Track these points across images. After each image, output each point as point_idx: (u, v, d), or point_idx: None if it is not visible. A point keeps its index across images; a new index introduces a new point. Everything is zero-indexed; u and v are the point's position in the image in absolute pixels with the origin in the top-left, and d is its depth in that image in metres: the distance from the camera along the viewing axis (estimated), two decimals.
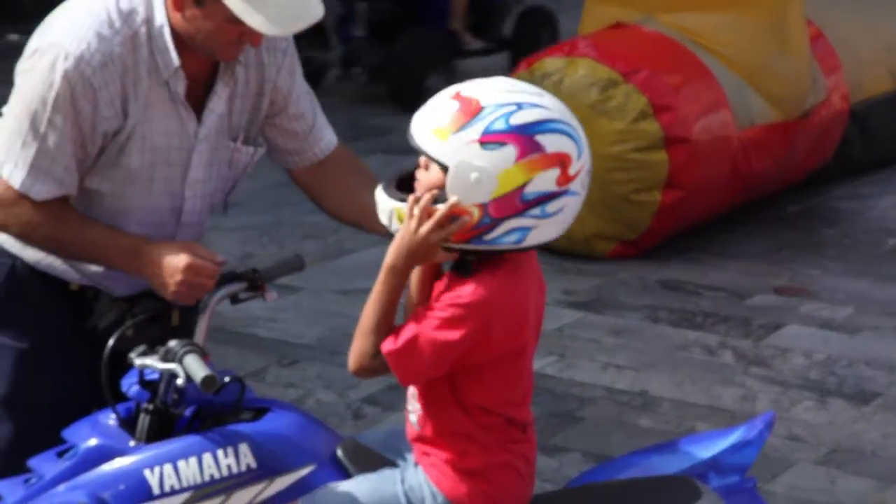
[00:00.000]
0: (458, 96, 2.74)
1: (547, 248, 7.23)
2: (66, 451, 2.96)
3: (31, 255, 3.23)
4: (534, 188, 2.71)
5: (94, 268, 3.22)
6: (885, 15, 8.20)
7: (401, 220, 2.79)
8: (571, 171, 2.73)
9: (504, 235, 2.74)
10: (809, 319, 6.14)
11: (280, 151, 3.33)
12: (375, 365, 2.82)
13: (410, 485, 2.88)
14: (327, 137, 3.36)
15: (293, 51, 3.28)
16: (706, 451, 3.07)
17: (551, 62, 6.75)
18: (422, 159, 2.79)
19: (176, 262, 3.02)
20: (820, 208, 7.68)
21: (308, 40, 8.64)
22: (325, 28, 9.58)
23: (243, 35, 3.02)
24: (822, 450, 4.95)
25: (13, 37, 10.86)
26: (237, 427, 2.93)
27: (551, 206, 2.73)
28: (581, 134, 2.77)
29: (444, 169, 2.73)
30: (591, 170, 2.80)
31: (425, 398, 2.87)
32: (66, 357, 3.26)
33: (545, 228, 2.76)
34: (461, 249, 2.78)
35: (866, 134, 8.00)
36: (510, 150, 2.70)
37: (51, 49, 3.02)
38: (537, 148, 2.70)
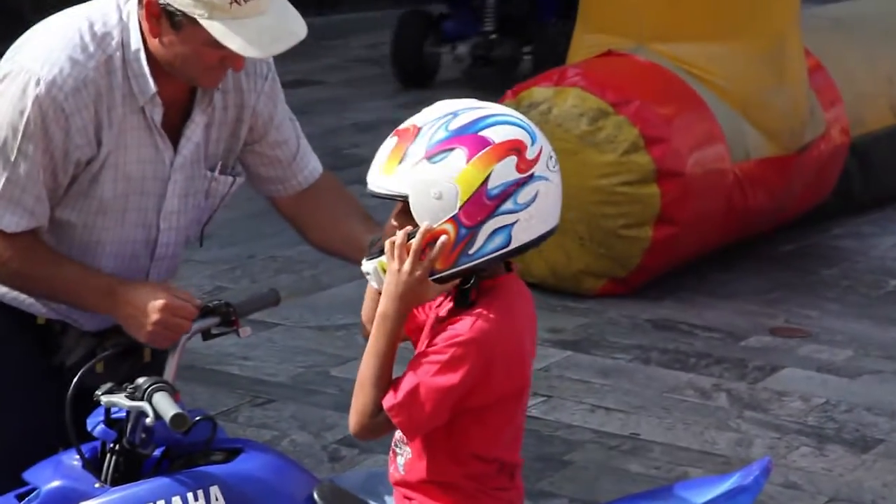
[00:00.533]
0: (395, 132, 2.78)
1: (533, 285, 7.12)
2: (28, 493, 2.91)
3: None
4: (496, 181, 2.69)
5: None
6: (887, 46, 8.19)
7: (385, 271, 2.77)
8: (529, 154, 2.72)
9: (488, 242, 2.72)
10: (807, 362, 6.08)
11: (262, 180, 3.28)
12: (378, 422, 2.76)
13: None
14: (312, 165, 3.32)
15: (274, 75, 3.24)
16: (699, 497, 3.03)
17: (539, 91, 6.70)
18: (393, 213, 2.79)
19: (152, 303, 2.99)
20: (818, 247, 7.64)
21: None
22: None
23: (224, 59, 2.98)
24: (821, 499, 4.90)
25: None
26: (208, 469, 2.89)
27: (522, 196, 2.71)
28: (529, 122, 2.78)
29: (406, 201, 2.72)
30: (555, 157, 2.79)
31: (415, 444, 2.81)
32: (31, 394, 3.20)
33: (528, 222, 2.73)
34: (452, 275, 2.75)
35: (867, 169, 7.97)
36: (459, 153, 2.70)
37: (21, 74, 2.97)
38: (484, 143, 2.71)
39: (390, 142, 2.76)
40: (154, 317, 2.98)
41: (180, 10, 2.92)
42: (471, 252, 2.71)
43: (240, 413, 5.32)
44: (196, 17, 2.90)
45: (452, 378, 2.71)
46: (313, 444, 5.08)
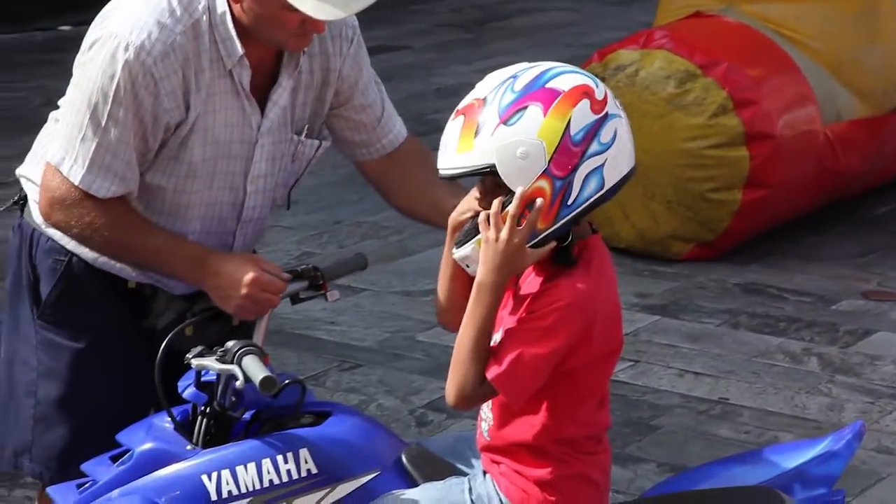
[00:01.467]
0: (457, 112, 2.77)
1: (621, 250, 7.04)
2: (121, 455, 2.93)
3: (87, 252, 3.18)
4: (577, 126, 2.71)
5: None
6: None
7: None
8: (598, 95, 2.74)
9: (584, 187, 2.72)
10: None
11: (347, 143, 3.27)
12: (481, 392, 2.76)
13: (478, 494, 2.84)
14: (396, 129, 3.30)
15: (360, 39, 3.22)
16: (791, 461, 3.01)
17: (626, 54, 6.62)
18: (473, 190, 2.79)
19: (241, 276, 2.99)
20: None
21: None
22: None
23: (304, 22, 2.95)
24: None
25: (66, 28, 10.81)
26: (297, 431, 2.89)
27: (603, 135, 2.73)
28: (588, 71, 2.81)
29: (493, 172, 2.69)
30: (618, 97, 2.81)
31: (501, 407, 2.81)
32: (123, 358, 3.22)
33: (615, 159, 2.75)
34: (554, 233, 2.72)
35: None
36: (534, 109, 2.70)
37: (110, 40, 2.98)
38: (554, 93, 2.71)
39: (457, 121, 2.74)
40: (243, 290, 2.98)
41: None
42: (570, 203, 2.71)
43: (328, 377, 5.34)
44: None
45: (554, 343, 2.70)
46: (400, 408, 5.09)
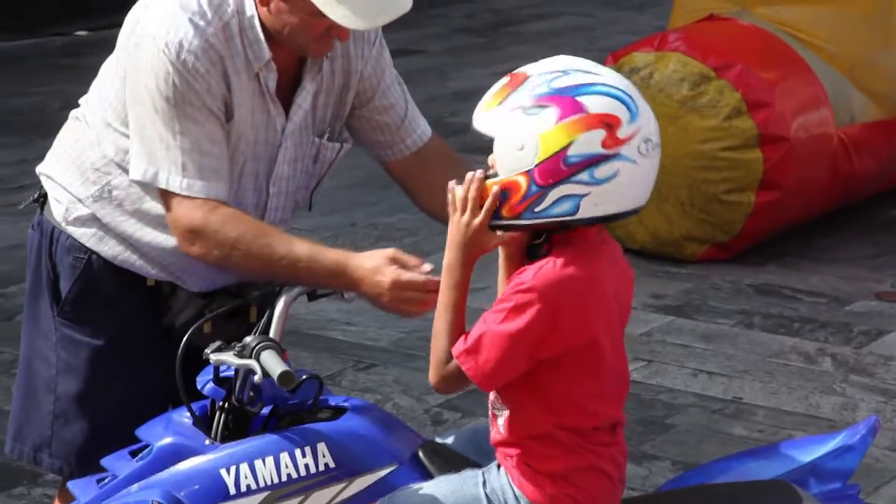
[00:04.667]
0: (510, 74, 2.73)
1: (635, 251, 7.03)
2: (140, 450, 2.93)
3: (108, 249, 3.19)
4: (577, 150, 2.65)
5: (171, 260, 3.17)
6: None
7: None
8: (620, 134, 2.65)
9: (554, 205, 2.68)
10: None
11: (371, 144, 3.29)
12: (451, 372, 2.75)
13: (493, 487, 2.82)
14: (420, 129, 3.30)
15: (382, 40, 3.23)
16: (805, 455, 3.01)
17: (640, 56, 6.65)
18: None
19: (380, 281, 2.93)
20: None
21: None
22: None
23: (330, 29, 2.97)
24: None
25: (82, 33, 10.85)
26: (315, 426, 2.89)
27: (600, 171, 2.66)
28: (638, 102, 2.69)
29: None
30: (656, 141, 2.71)
31: (508, 400, 2.81)
32: (142, 354, 3.22)
33: (600, 197, 2.67)
34: (514, 226, 2.71)
35: None
36: (551, 112, 2.66)
37: (150, 42, 3.00)
38: (579, 108, 2.65)
39: (502, 81, 2.74)
40: (386, 297, 2.93)
41: None
42: (536, 210, 2.68)
43: (343, 377, 5.35)
44: None
45: (517, 323, 2.67)
46: (416, 407, 5.10)
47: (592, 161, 2.65)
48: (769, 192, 6.47)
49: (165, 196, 3.04)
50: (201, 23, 2.99)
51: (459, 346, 2.72)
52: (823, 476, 2.96)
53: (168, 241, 3.13)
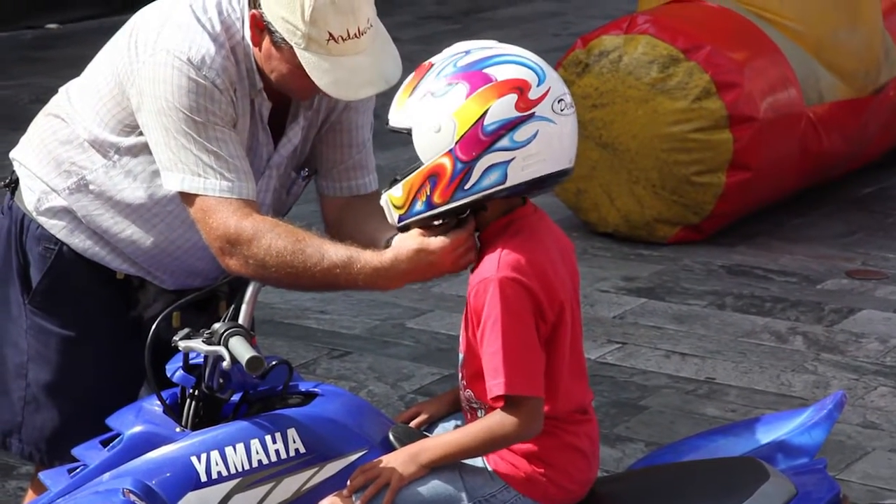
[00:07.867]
0: (416, 68, 2.79)
1: (607, 234, 7.00)
2: (111, 439, 2.94)
3: (78, 242, 3.19)
4: (493, 118, 2.70)
5: (141, 257, 3.17)
6: None
7: (395, 207, 2.80)
8: (532, 94, 2.71)
9: (483, 177, 2.72)
10: (884, 303, 6.01)
11: (320, 164, 3.23)
12: (525, 420, 2.74)
13: (468, 468, 2.82)
14: (367, 179, 3.24)
15: (372, 102, 3.23)
16: (773, 432, 3.03)
17: (609, 39, 6.64)
18: None
19: (424, 256, 2.83)
20: (895, 189, 7.52)
21: None
22: None
23: (317, 87, 2.96)
24: None
25: (54, 26, 10.79)
26: (285, 412, 2.90)
27: (519, 134, 2.71)
28: (543, 66, 2.76)
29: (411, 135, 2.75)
30: (568, 101, 2.76)
31: (480, 381, 2.80)
32: (111, 345, 3.23)
33: (525, 160, 2.72)
34: (448, 213, 2.75)
35: None
36: (460, 88, 2.72)
37: (170, 58, 2.98)
38: (486, 79, 2.71)
39: (408, 77, 2.79)
40: (433, 270, 2.84)
41: (280, 34, 2.93)
42: (466, 187, 2.72)
43: (318, 365, 5.35)
44: (293, 44, 2.91)
45: (519, 317, 2.71)
46: (390, 394, 5.09)
47: (510, 125, 2.70)
48: (739, 173, 6.48)
49: (198, 207, 2.98)
50: (214, 45, 2.99)
51: (498, 388, 2.68)
52: (791, 451, 2.98)
53: (144, 235, 3.13)
